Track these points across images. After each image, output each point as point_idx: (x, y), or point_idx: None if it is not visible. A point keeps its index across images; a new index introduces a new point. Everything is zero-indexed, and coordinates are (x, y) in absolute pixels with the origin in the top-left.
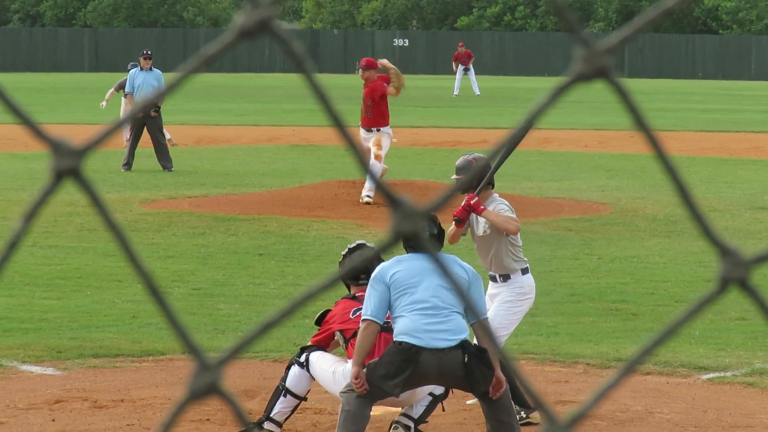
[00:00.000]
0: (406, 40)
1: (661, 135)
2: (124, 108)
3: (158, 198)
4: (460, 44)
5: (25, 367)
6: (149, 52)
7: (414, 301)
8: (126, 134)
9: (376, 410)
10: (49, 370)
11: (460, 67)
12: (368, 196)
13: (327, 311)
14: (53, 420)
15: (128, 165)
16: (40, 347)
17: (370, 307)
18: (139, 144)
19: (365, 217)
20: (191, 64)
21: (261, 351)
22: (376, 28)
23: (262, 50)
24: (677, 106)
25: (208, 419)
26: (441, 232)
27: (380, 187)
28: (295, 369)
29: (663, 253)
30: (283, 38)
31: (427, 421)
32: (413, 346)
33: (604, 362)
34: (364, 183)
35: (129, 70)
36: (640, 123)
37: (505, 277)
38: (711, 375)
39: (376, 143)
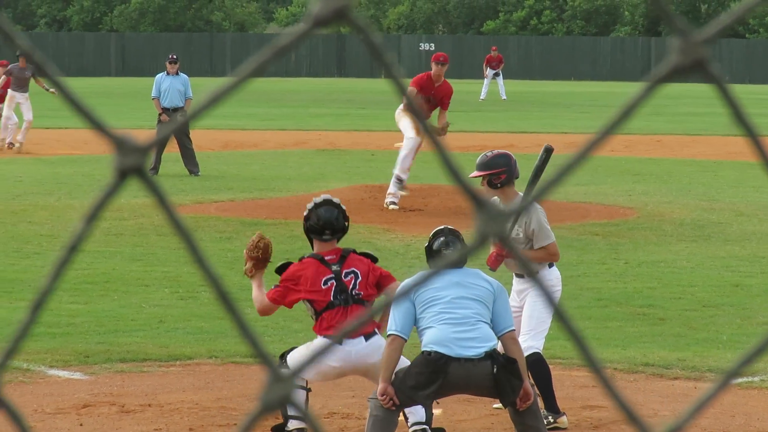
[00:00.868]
0: (432, 45)
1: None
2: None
3: (185, 203)
4: (494, 48)
5: (52, 372)
6: (175, 57)
7: (440, 311)
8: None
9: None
10: (77, 375)
11: (490, 71)
12: (393, 203)
13: (289, 263)
14: (81, 425)
15: (155, 169)
16: (67, 352)
17: (395, 322)
18: (168, 149)
19: (392, 222)
20: (264, 54)
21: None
22: (402, 33)
23: (288, 55)
24: (704, 110)
25: (235, 423)
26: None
27: (466, 189)
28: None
29: (690, 257)
30: (361, 27)
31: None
32: (442, 356)
33: (631, 367)
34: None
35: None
36: (739, 118)
37: (522, 275)
38: (739, 380)
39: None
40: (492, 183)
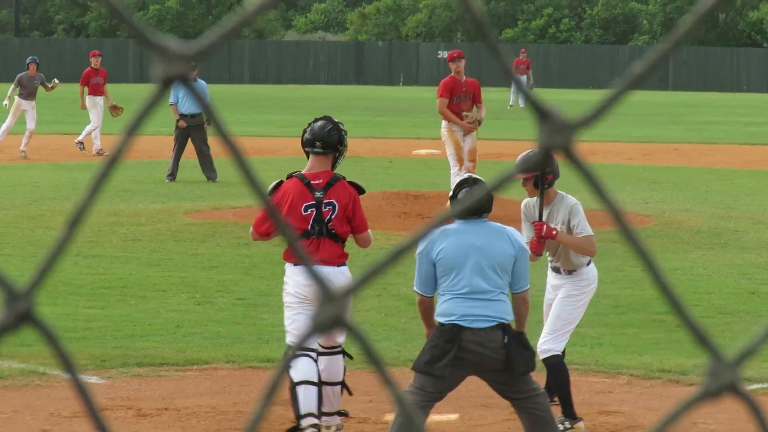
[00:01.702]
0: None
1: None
2: (96, 112)
3: (202, 208)
4: (522, 50)
5: (69, 376)
6: (194, 63)
7: (457, 283)
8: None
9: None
10: (94, 379)
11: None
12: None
13: (282, 182)
14: (97, 428)
15: (172, 175)
16: (84, 356)
17: (419, 282)
18: (185, 155)
19: (409, 228)
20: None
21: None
22: (420, 41)
23: (306, 62)
24: (722, 119)
25: None
26: (490, 197)
27: (528, 96)
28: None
29: (707, 265)
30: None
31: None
32: (455, 325)
33: (647, 373)
34: (406, 194)
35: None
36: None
37: (570, 272)
38: (755, 386)
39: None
40: (537, 184)
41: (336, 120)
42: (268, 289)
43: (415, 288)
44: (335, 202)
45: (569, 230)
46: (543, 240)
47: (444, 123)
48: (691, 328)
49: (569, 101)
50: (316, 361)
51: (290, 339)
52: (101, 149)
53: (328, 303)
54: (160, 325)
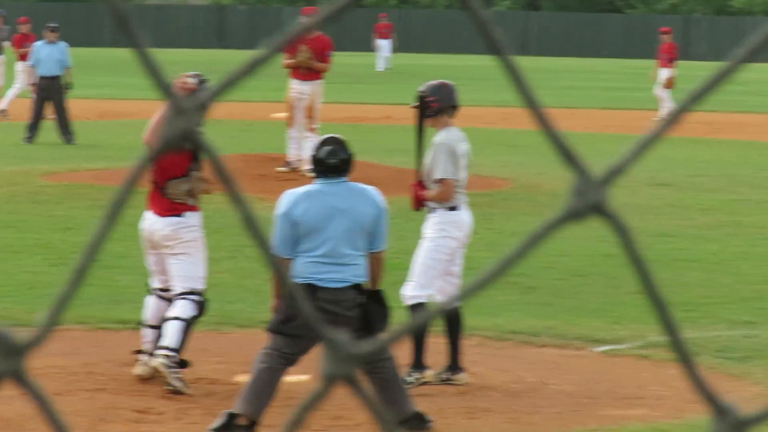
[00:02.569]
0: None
1: (573, 112)
2: (23, 77)
3: (59, 170)
4: (382, 15)
5: None
6: (55, 25)
7: (317, 247)
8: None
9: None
10: None
11: (379, 41)
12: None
13: None
14: None
15: (31, 137)
16: None
17: (279, 243)
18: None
19: (267, 191)
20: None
21: None
22: (284, 4)
23: (168, 25)
24: (582, 84)
25: (102, 389)
26: (350, 157)
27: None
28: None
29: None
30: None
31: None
32: (309, 284)
33: (499, 335)
34: (264, 156)
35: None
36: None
37: (432, 210)
38: (605, 347)
39: (311, 107)
40: (424, 113)
41: (203, 77)
42: (124, 250)
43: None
44: None
45: (428, 168)
46: (416, 198)
47: (290, 84)
48: (558, 145)
49: (432, 66)
50: (166, 300)
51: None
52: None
53: (177, 116)
54: (14, 287)
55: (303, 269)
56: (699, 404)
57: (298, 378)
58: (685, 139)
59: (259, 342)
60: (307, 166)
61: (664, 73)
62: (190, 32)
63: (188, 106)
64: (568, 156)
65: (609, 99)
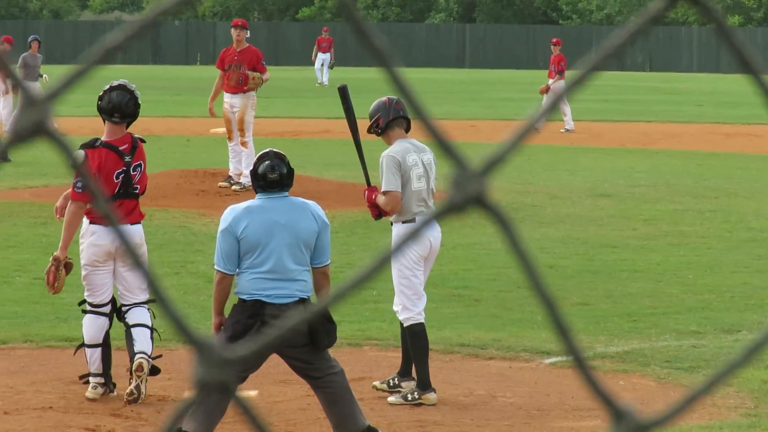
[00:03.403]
0: (248, 32)
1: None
2: None
3: None
4: (325, 29)
5: None
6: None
7: (261, 262)
8: None
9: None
10: None
11: (320, 55)
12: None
13: (86, 149)
14: None
15: None
16: None
17: (222, 259)
18: None
19: (207, 206)
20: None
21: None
22: (217, 20)
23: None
24: (518, 96)
25: (50, 407)
26: (291, 172)
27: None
28: (85, 320)
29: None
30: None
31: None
32: (257, 300)
33: (446, 347)
34: (204, 172)
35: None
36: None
37: (392, 223)
38: (554, 359)
39: (241, 119)
40: (374, 131)
41: (131, 87)
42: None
43: (216, 266)
44: (141, 164)
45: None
46: (371, 205)
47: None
48: (434, 133)
49: (366, 79)
50: (107, 315)
51: (85, 294)
52: None
53: (28, 108)
54: None
55: (248, 285)
56: (652, 413)
57: (248, 393)
58: (624, 150)
59: None
60: (245, 180)
61: (557, 85)
62: (124, 49)
63: (40, 98)
64: (446, 147)
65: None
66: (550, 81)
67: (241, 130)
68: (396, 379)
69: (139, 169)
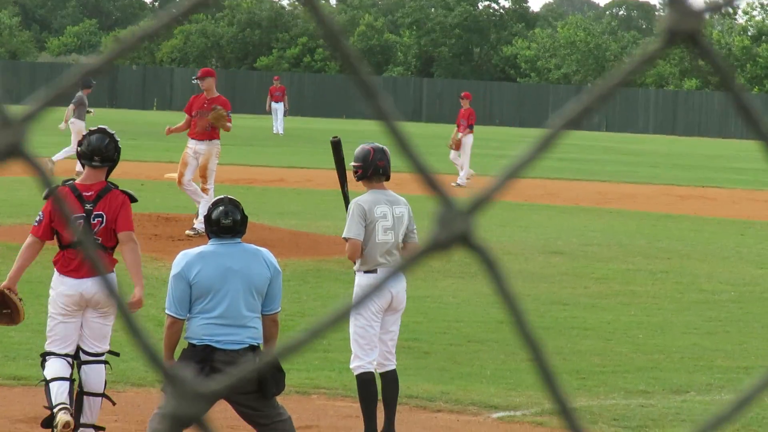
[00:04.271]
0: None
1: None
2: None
3: None
4: (276, 78)
5: None
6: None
7: (212, 308)
8: None
9: None
10: None
11: (274, 104)
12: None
13: (57, 187)
14: None
15: None
16: None
17: (173, 304)
18: None
19: (159, 251)
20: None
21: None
22: (175, 66)
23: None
24: (475, 152)
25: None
26: (244, 218)
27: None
28: (47, 364)
29: (456, 293)
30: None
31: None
32: (207, 345)
33: None
34: (158, 216)
35: None
36: None
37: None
38: (501, 414)
39: (204, 167)
40: (354, 176)
41: (111, 131)
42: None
43: (167, 310)
44: (104, 214)
45: None
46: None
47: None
48: (417, 167)
49: (322, 130)
50: (70, 364)
51: (47, 345)
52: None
53: (3, 129)
54: None
55: (199, 330)
56: None
57: None
58: (578, 208)
59: (154, 401)
60: (199, 225)
61: (467, 139)
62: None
63: (15, 119)
64: (431, 184)
65: (501, 166)
66: (460, 135)
67: (204, 177)
68: None
69: (100, 218)
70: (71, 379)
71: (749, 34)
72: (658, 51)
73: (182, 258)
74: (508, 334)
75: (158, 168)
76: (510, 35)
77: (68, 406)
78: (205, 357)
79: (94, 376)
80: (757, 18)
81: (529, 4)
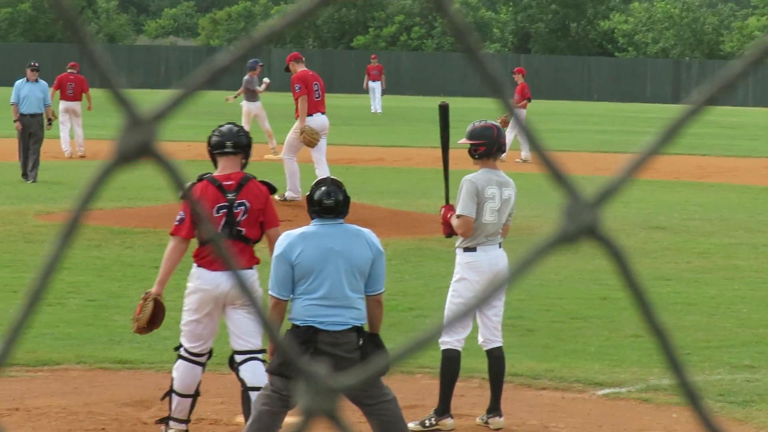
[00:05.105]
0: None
1: (562, 155)
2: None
3: (53, 210)
4: (373, 56)
5: None
6: (36, 64)
7: (315, 289)
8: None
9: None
10: None
11: (371, 83)
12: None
13: (194, 184)
14: None
15: (27, 175)
16: None
17: (276, 285)
18: (42, 157)
19: None
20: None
21: (156, 362)
22: (272, 46)
23: (158, 66)
24: (573, 127)
25: (103, 429)
26: (347, 199)
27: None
28: (179, 366)
29: (559, 270)
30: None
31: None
32: (310, 327)
33: None
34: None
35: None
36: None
37: (456, 248)
38: (606, 390)
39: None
40: (471, 153)
41: (240, 125)
42: (120, 290)
43: (270, 291)
44: (247, 203)
45: None
46: (444, 223)
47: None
48: (547, 163)
49: (421, 108)
50: (202, 366)
51: (181, 336)
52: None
53: (134, 128)
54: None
55: (302, 312)
56: None
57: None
58: (679, 183)
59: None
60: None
61: (520, 113)
62: (179, 73)
63: (145, 117)
64: (558, 176)
65: (600, 142)
66: (521, 112)
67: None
68: (433, 418)
69: (243, 207)
70: (196, 395)
71: None
72: None
73: (284, 239)
74: (611, 310)
75: (257, 149)
76: (607, 9)
77: (181, 428)
78: (308, 338)
79: (254, 372)
80: None
81: None
